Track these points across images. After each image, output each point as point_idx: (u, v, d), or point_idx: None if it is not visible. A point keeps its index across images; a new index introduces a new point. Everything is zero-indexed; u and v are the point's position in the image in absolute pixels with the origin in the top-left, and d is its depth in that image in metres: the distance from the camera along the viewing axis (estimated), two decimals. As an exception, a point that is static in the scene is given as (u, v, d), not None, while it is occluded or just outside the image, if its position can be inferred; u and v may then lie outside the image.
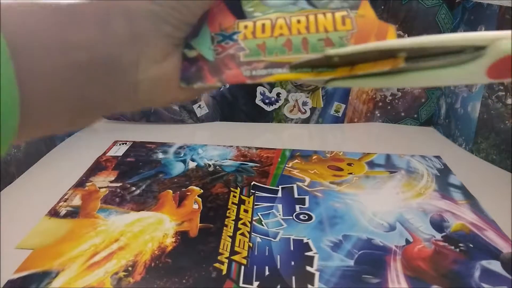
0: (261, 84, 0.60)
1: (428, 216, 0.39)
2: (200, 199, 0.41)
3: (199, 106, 0.61)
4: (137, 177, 0.45)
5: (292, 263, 0.32)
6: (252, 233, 0.36)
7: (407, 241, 0.35)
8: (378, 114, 0.63)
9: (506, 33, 0.18)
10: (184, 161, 0.49)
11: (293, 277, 0.31)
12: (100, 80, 0.20)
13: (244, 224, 0.37)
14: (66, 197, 0.41)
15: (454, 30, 0.56)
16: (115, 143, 0.54)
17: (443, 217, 0.39)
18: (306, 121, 0.62)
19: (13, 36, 0.17)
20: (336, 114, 0.62)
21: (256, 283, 0.30)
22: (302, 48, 0.24)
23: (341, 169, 0.48)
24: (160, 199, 0.41)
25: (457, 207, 0.40)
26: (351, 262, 0.33)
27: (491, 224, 0.38)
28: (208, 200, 0.41)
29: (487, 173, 0.48)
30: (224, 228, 0.36)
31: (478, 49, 0.19)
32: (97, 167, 0.47)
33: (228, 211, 0.39)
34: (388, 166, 0.49)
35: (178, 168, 0.47)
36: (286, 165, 0.48)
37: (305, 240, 0.35)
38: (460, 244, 0.35)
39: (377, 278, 0.31)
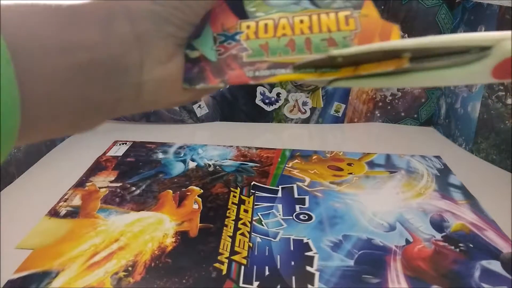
0: (261, 84, 0.60)
1: (428, 216, 0.39)
2: (200, 199, 0.41)
3: (199, 106, 0.61)
4: (137, 177, 0.45)
5: (292, 263, 0.32)
6: (252, 233, 0.36)
7: (407, 241, 0.35)
8: (378, 114, 0.63)
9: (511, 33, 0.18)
10: (184, 161, 0.49)
11: (293, 277, 0.31)
12: (101, 81, 0.20)
13: (244, 224, 0.37)
14: (66, 197, 0.41)
15: (454, 30, 0.56)
16: (115, 143, 0.54)
17: (443, 217, 0.39)
18: (306, 121, 0.62)
19: (13, 37, 0.17)
20: (336, 114, 0.62)
21: (256, 283, 0.30)
22: (305, 48, 0.24)
23: (341, 169, 0.48)
24: (160, 199, 0.41)
25: (457, 207, 0.40)
26: (351, 262, 0.33)
27: (491, 224, 0.38)
28: (208, 200, 0.41)
29: (487, 173, 0.48)
30: (224, 228, 0.36)
31: (483, 49, 0.19)
32: (97, 167, 0.47)
33: (228, 211, 0.39)
34: (388, 166, 0.49)
35: (178, 168, 0.47)
36: (286, 165, 0.48)
37: (305, 240, 0.35)
38: (460, 244, 0.35)
39: (377, 278, 0.31)
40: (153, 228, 0.36)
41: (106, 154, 0.50)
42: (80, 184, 0.43)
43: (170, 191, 0.42)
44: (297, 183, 0.44)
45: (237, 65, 0.24)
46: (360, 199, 0.41)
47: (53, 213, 0.38)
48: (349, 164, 0.49)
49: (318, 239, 0.35)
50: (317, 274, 0.31)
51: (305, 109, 0.62)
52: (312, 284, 0.30)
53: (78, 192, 0.42)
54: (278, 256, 0.33)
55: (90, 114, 0.21)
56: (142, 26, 0.21)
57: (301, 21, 0.24)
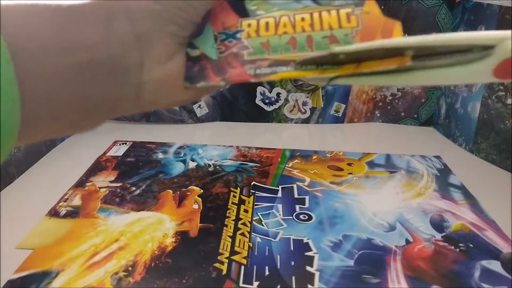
0: (261, 84, 0.60)
1: (428, 216, 0.39)
2: (200, 199, 0.41)
3: (199, 106, 0.61)
4: (137, 177, 0.45)
5: (292, 263, 0.32)
6: (252, 233, 0.36)
7: (407, 241, 0.35)
8: (378, 114, 0.63)
9: None
10: (184, 161, 0.49)
11: (293, 277, 0.31)
12: (101, 81, 0.20)
13: (244, 224, 0.37)
14: (66, 197, 0.41)
15: (454, 30, 0.56)
16: (115, 143, 0.54)
17: (443, 217, 0.39)
18: (306, 121, 0.62)
19: (13, 37, 0.17)
20: (336, 114, 0.62)
21: (256, 283, 0.30)
22: (306, 46, 0.24)
23: (341, 169, 0.48)
24: (160, 199, 0.41)
25: (457, 207, 0.40)
26: (351, 262, 0.33)
27: (491, 224, 0.38)
28: (208, 200, 0.41)
29: (487, 173, 0.48)
30: (224, 228, 0.36)
31: (486, 48, 0.19)
32: (97, 167, 0.47)
33: (228, 211, 0.39)
34: (388, 166, 0.49)
35: (178, 168, 0.47)
36: (286, 165, 0.48)
37: (305, 240, 0.35)
38: (460, 244, 0.35)
39: (377, 278, 0.31)
40: (153, 228, 0.36)
41: (106, 154, 0.50)
42: (80, 184, 0.43)
43: (170, 191, 0.42)
44: (297, 183, 0.44)
45: (238, 63, 0.24)
46: (360, 199, 0.41)
47: (53, 213, 0.38)
48: (349, 164, 0.49)
49: (318, 239, 0.35)
50: (317, 274, 0.31)
51: (305, 109, 0.62)
52: (312, 284, 0.30)
53: (78, 192, 0.42)
54: (278, 256, 0.33)
55: (90, 114, 0.21)
56: (143, 26, 0.21)
57: (302, 19, 0.24)
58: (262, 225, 0.37)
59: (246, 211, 0.39)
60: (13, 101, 0.17)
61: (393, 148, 0.53)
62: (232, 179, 0.45)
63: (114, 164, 0.48)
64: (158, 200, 0.41)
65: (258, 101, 0.61)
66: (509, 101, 0.47)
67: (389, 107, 0.62)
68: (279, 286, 0.30)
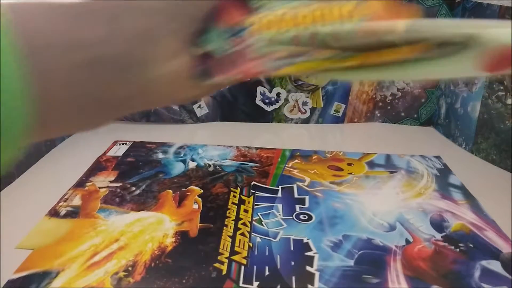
0: (261, 84, 0.60)
1: (428, 216, 0.39)
2: (200, 199, 0.41)
3: (199, 106, 0.61)
4: (137, 177, 0.45)
5: (292, 263, 0.32)
6: (252, 233, 0.36)
7: (407, 241, 0.35)
8: (378, 114, 0.63)
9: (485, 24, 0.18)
10: (184, 161, 0.49)
11: (293, 277, 0.31)
12: (108, 78, 0.20)
13: (244, 224, 0.37)
14: (66, 197, 0.41)
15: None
16: (115, 143, 0.54)
17: (443, 217, 0.39)
18: (306, 121, 0.62)
19: (20, 36, 0.17)
20: (336, 114, 0.62)
21: (256, 283, 0.30)
22: (312, 40, 0.24)
23: (341, 169, 0.48)
24: (160, 199, 0.41)
25: (457, 207, 0.40)
26: (351, 262, 0.33)
27: (491, 224, 0.38)
28: (208, 200, 0.41)
29: (487, 173, 0.48)
30: (224, 228, 0.36)
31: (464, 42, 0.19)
32: (97, 167, 0.47)
33: (228, 211, 0.39)
34: (388, 166, 0.49)
35: (178, 168, 0.47)
36: (286, 165, 0.48)
37: (305, 240, 0.35)
38: (460, 244, 0.35)
39: (377, 278, 0.31)
40: (153, 228, 0.36)
41: (106, 154, 0.50)
42: (80, 184, 0.43)
43: (170, 191, 0.42)
44: (297, 183, 0.44)
45: (243, 59, 0.24)
46: (360, 199, 0.41)
47: (53, 213, 0.38)
48: (349, 164, 0.49)
49: (318, 239, 0.35)
50: (317, 274, 0.31)
51: (305, 109, 0.62)
52: (312, 284, 0.30)
53: (78, 192, 0.42)
54: (278, 256, 0.33)
55: (97, 111, 0.21)
56: (148, 23, 0.21)
57: (308, 13, 0.24)
58: (262, 225, 0.37)
59: (246, 211, 0.39)
60: (23, 101, 0.17)
61: (393, 148, 0.53)
62: (232, 179, 0.45)
63: (114, 164, 0.48)
64: (158, 200, 0.41)
65: (258, 101, 0.61)
66: (509, 101, 0.47)
67: (389, 107, 0.62)
68: (279, 286, 0.30)
